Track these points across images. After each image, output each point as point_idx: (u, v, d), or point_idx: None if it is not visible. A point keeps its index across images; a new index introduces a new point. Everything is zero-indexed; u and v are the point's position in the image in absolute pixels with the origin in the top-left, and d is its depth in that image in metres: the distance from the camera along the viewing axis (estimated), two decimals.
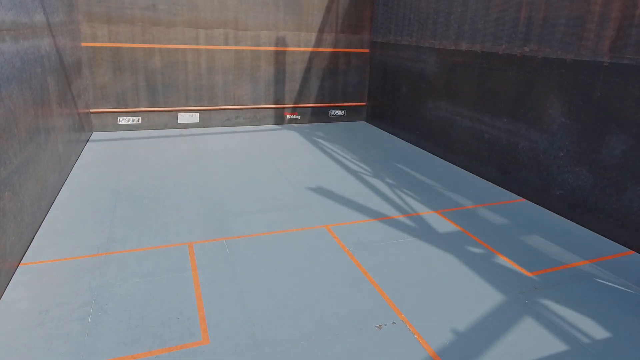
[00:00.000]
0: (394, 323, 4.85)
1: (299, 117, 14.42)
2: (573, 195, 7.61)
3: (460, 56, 10.26)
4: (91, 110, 12.06)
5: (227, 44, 12.85)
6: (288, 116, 14.27)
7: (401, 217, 7.60)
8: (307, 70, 13.98)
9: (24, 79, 6.45)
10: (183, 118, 13.04)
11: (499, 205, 8.29)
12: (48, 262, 5.77)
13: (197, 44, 12.57)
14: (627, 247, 6.81)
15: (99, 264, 5.78)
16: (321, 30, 13.76)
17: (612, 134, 6.94)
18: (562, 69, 7.74)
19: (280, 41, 13.40)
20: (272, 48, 13.38)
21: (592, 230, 7.32)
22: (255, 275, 5.66)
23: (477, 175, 9.95)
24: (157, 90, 12.56)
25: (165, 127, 12.94)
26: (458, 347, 4.53)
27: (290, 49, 13.58)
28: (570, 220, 7.69)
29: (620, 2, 6.72)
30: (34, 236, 6.40)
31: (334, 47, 14.06)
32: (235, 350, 4.35)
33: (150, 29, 12.06)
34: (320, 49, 13.93)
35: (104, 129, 12.37)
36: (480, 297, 5.40)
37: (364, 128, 14.29)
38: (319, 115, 14.64)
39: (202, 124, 13.29)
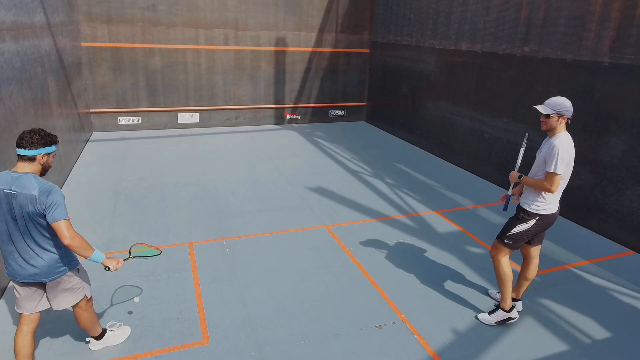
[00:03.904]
0: (394, 323, 4.85)
1: (299, 117, 14.42)
2: (573, 195, 7.61)
3: (460, 56, 10.26)
4: (91, 110, 12.06)
5: (227, 44, 12.85)
6: (288, 116, 14.27)
7: (401, 217, 7.60)
8: (307, 70, 13.99)
9: (24, 79, 6.45)
10: (183, 118, 13.04)
11: (499, 205, 8.28)
12: None
13: (197, 44, 12.58)
14: (627, 247, 6.81)
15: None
16: (321, 30, 13.77)
17: (612, 134, 6.94)
18: (562, 69, 7.74)
19: (280, 41, 13.41)
20: (272, 48, 13.38)
21: (592, 230, 7.33)
22: (255, 275, 5.66)
23: (477, 175, 9.95)
24: (157, 90, 12.57)
25: (165, 127, 12.94)
26: (458, 347, 4.53)
27: (290, 49, 13.58)
28: (570, 220, 7.68)
29: (620, 2, 6.72)
30: None
31: (334, 47, 14.07)
32: (235, 350, 4.35)
33: (150, 29, 12.06)
34: (320, 49, 13.93)
35: (104, 129, 12.37)
36: (480, 297, 5.40)
37: (364, 128, 14.30)
38: (319, 115, 14.65)
39: (202, 124, 13.30)
